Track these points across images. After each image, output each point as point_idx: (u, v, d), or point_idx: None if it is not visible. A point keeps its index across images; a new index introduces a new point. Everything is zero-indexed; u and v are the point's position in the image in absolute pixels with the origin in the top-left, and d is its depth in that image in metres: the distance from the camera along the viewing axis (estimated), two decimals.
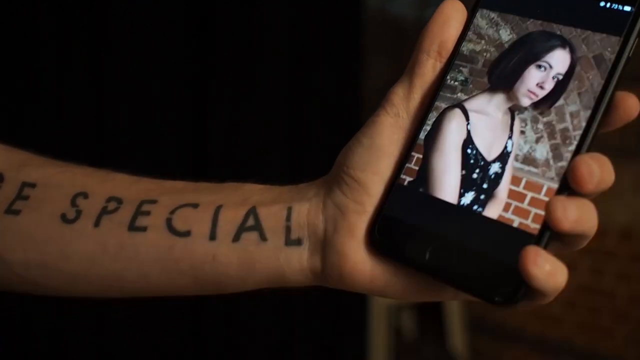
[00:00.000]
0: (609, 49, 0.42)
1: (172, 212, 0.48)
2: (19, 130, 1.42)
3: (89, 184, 0.51)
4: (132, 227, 0.48)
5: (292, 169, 1.87)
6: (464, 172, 0.44)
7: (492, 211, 0.43)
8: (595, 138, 0.42)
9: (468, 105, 0.45)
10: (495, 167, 0.44)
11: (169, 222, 0.48)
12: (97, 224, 0.49)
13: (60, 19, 1.45)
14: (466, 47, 0.46)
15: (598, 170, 0.40)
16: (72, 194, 0.50)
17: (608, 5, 0.43)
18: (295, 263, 0.46)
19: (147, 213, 0.49)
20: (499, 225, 0.42)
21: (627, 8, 0.43)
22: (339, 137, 2.28)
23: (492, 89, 0.45)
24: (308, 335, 1.95)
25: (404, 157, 0.45)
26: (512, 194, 0.43)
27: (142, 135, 1.60)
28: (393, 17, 2.92)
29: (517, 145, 0.43)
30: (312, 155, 1.93)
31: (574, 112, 0.42)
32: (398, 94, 0.46)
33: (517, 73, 0.44)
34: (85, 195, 0.50)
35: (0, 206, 0.51)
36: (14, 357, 1.52)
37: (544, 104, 0.43)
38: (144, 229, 0.48)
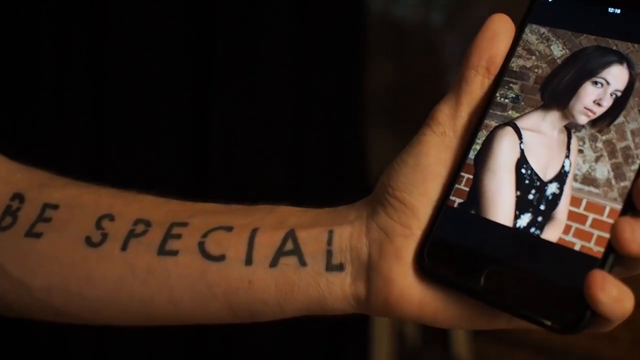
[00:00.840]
0: None
1: (205, 235, 0.46)
2: (19, 131, 1.41)
3: (114, 205, 0.49)
4: (162, 251, 0.46)
5: (293, 170, 1.86)
6: (518, 193, 0.42)
7: (551, 234, 0.40)
8: None
9: (520, 123, 0.43)
10: (552, 188, 0.41)
11: (201, 245, 0.46)
12: (124, 247, 0.47)
13: (59, 20, 1.45)
14: (516, 63, 0.44)
15: None
16: (97, 216, 0.48)
17: None
18: (337, 289, 0.44)
19: (178, 236, 0.46)
20: (559, 249, 0.40)
21: None
22: (340, 139, 2.28)
23: (546, 106, 0.43)
24: (310, 341, 1.93)
25: (453, 177, 0.43)
26: (572, 216, 0.40)
27: (142, 135, 1.60)
28: (396, 19, 2.93)
29: (576, 165, 0.41)
30: (313, 156, 1.93)
31: (635, 130, 0.40)
32: (444, 112, 0.44)
33: (572, 90, 0.42)
34: (111, 218, 0.48)
35: (21, 228, 0.48)
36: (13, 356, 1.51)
37: (603, 122, 0.41)
38: (175, 252, 0.46)
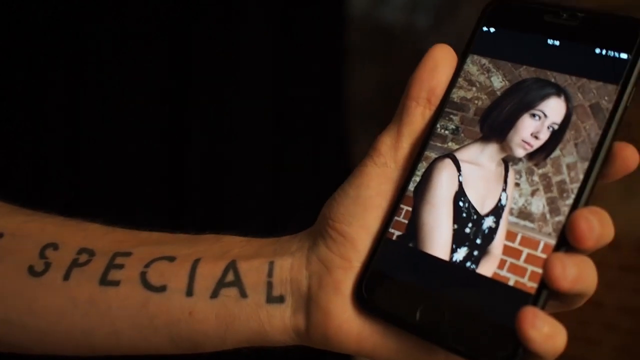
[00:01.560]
0: (605, 98, 0.41)
1: (147, 265, 0.46)
2: None
3: (60, 233, 0.49)
4: (104, 281, 0.46)
5: (274, 179, 1.84)
6: (455, 226, 0.42)
7: (486, 268, 0.40)
8: (594, 191, 0.40)
9: (459, 155, 0.43)
10: (488, 222, 0.42)
11: (143, 275, 0.46)
12: (66, 277, 0.47)
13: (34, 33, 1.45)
14: (457, 94, 0.45)
15: (598, 226, 0.38)
16: (42, 244, 0.48)
17: (604, 52, 0.42)
18: (277, 321, 0.44)
19: (121, 266, 0.46)
20: (494, 284, 0.40)
21: (624, 55, 0.41)
22: (323, 146, 2.23)
23: (485, 138, 0.43)
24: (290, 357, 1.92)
25: (393, 209, 0.43)
26: (507, 250, 0.40)
27: (118, 142, 1.60)
28: (382, 22, 2.92)
29: (512, 199, 0.41)
30: (295, 165, 1.91)
31: (570, 164, 0.40)
32: (386, 143, 0.44)
33: (510, 122, 0.43)
34: (55, 247, 0.48)
35: None
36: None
37: (539, 155, 0.41)
38: (116, 283, 0.46)
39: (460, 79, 0.45)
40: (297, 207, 1.94)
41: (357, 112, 2.38)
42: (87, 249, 0.47)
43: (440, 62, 0.44)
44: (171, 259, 0.46)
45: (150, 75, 1.60)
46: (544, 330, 0.37)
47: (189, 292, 0.45)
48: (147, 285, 0.45)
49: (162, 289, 0.45)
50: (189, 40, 1.68)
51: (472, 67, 0.45)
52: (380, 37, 3.04)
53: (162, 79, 1.64)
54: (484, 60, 0.45)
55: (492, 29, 0.45)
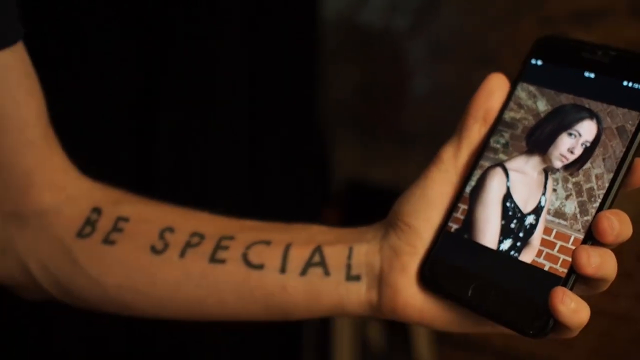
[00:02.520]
0: (630, 122, 0.50)
1: (248, 247, 0.56)
2: None
3: (175, 220, 0.59)
4: (213, 259, 0.56)
5: (250, 177, 1.83)
6: (503, 222, 0.52)
7: (527, 256, 0.50)
8: (617, 197, 0.49)
9: (508, 165, 0.53)
10: (530, 219, 0.51)
11: (245, 256, 0.56)
12: (182, 255, 0.57)
13: None
14: (508, 115, 0.54)
15: (618, 225, 0.47)
16: (161, 228, 0.58)
17: (630, 84, 0.50)
18: (354, 296, 0.54)
19: (226, 247, 0.56)
20: (533, 269, 0.49)
21: None
22: (300, 145, 2.16)
23: (529, 151, 0.52)
24: (269, 347, 1.92)
25: (452, 207, 0.53)
26: (544, 242, 0.50)
27: (86, 146, 1.51)
28: (361, 24, 2.92)
29: (550, 201, 0.51)
30: (271, 162, 1.89)
31: (598, 175, 0.50)
32: (448, 153, 0.54)
33: (551, 139, 0.52)
34: (171, 230, 0.58)
35: (98, 236, 0.58)
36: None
37: (573, 167, 0.51)
38: (223, 261, 0.56)
39: (511, 102, 0.54)
40: (274, 206, 1.86)
41: (336, 112, 2.40)
42: (198, 233, 0.58)
43: (495, 88, 0.54)
44: (267, 242, 0.56)
45: (119, 74, 1.56)
46: (571, 306, 0.46)
47: (283, 270, 0.55)
48: (248, 263, 0.56)
49: (260, 267, 0.55)
50: (162, 39, 1.65)
51: (521, 92, 0.54)
52: (359, 38, 3.04)
53: (132, 79, 1.60)
54: (531, 88, 0.54)
55: (539, 62, 0.55)
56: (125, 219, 0.59)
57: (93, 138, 1.45)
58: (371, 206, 2.78)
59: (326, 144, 2.67)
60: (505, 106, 0.54)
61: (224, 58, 1.80)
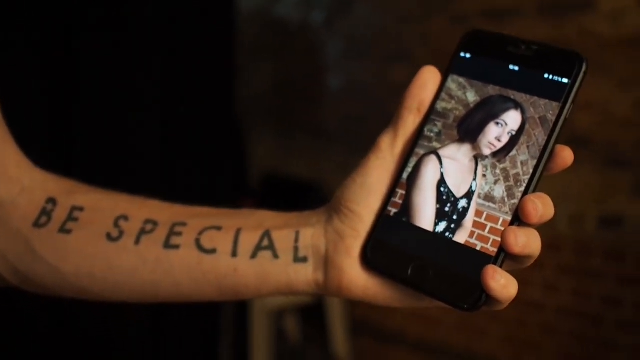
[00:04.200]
0: (550, 112, 0.54)
1: (200, 233, 0.59)
2: None
3: (128, 208, 0.61)
4: (167, 245, 0.59)
5: (165, 172, 1.86)
6: (438, 206, 0.56)
7: (460, 237, 0.54)
8: (540, 181, 0.54)
9: (441, 152, 0.57)
10: (462, 203, 0.55)
11: (197, 241, 0.59)
12: (137, 241, 0.59)
13: None
14: (440, 105, 0.58)
15: (541, 207, 0.52)
16: (115, 216, 0.61)
17: (550, 77, 0.55)
18: (302, 276, 0.57)
19: (179, 234, 0.59)
20: (466, 249, 0.54)
21: (565, 80, 0.54)
22: (218, 140, 2.08)
23: (461, 140, 0.57)
24: (185, 338, 1.95)
25: (390, 193, 0.57)
26: (475, 224, 0.54)
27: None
28: (277, 18, 2.95)
29: (480, 186, 0.55)
30: (187, 157, 1.93)
31: (523, 161, 0.54)
32: (385, 142, 0.58)
33: (480, 128, 0.56)
34: (125, 218, 0.60)
35: (55, 226, 0.61)
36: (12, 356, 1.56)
37: (501, 154, 0.55)
38: (177, 246, 0.59)
39: (442, 94, 0.58)
40: (189, 199, 1.95)
41: (252, 106, 2.44)
42: (151, 220, 0.60)
43: (428, 80, 0.58)
44: (219, 228, 0.59)
45: (31, 77, 1.57)
46: (501, 282, 0.51)
47: (234, 254, 0.58)
48: (201, 248, 0.58)
49: (212, 251, 0.58)
50: (75, 27, 1.65)
51: (452, 84, 0.58)
52: (274, 33, 3.09)
53: (43, 79, 1.61)
54: (461, 80, 0.58)
55: (467, 55, 0.59)
56: (80, 209, 0.61)
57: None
58: (287, 198, 2.83)
59: (243, 138, 2.68)
60: (437, 97, 0.58)
61: (139, 52, 1.79)
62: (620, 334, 2.38)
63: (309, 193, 2.66)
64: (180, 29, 1.90)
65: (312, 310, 2.69)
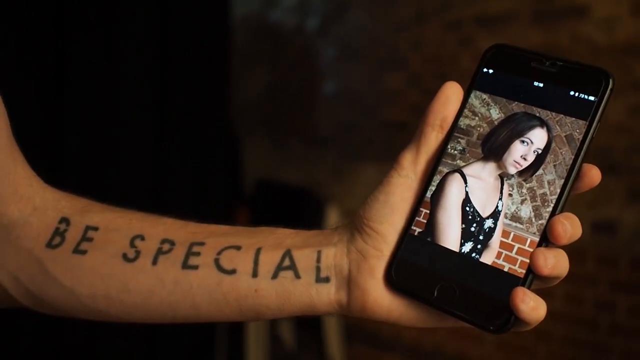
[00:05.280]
0: (577, 131, 0.53)
1: (219, 253, 0.58)
2: None
3: (144, 227, 0.60)
4: (185, 266, 0.58)
5: (158, 180, 1.85)
6: (463, 225, 0.55)
7: (487, 258, 0.53)
8: (568, 200, 0.53)
9: (466, 170, 0.56)
10: (489, 223, 0.54)
11: (217, 261, 0.57)
12: (154, 262, 0.58)
13: None
14: (463, 122, 0.57)
15: (570, 228, 0.51)
16: (131, 236, 0.59)
17: (576, 94, 0.54)
18: (324, 297, 0.56)
19: (197, 254, 0.58)
20: (493, 270, 0.53)
21: (592, 98, 0.54)
22: (211, 147, 2.09)
23: (485, 158, 0.56)
24: (181, 343, 1.93)
25: (414, 211, 0.56)
26: (502, 245, 0.53)
27: None
28: (271, 24, 2.95)
29: (506, 206, 0.54)
30: (180, 164, 1.92)
31: (550, 180, 0.53)
32: (407, 159, 0.57)
33: (505, 146, 0.55)
34: (142, 238, 0.59)
35: (69, 246, 0.59)
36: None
37: (527, 173, 0.54)
38: (195, 267, 0.57)
39: (465, 110, 0.57)
40: (182, 207, 1.89)
41: (246, 113, 2.43)
42: (168, 240, 0.59)
43: (451, 96, 0.57)
44: (238, 247, 0.58)
45: (22, 78, 1.56)
46: (531, 304, 0.50)
47: (254, 274, 0.57)
48: (220, 269, 0.57)
49: (232, 272, 0.57)
50: (67, 38, 1.64)
51: (475, 101, 0.57)
52: (268, 39, 3.08)
53: (34, 79, 1.60)
54: (484, 96, 0.57)
55: (490, 70, 0.58)
56: (94, 228, 0.60)
57: None
58: (281, 204, 2.82)
59: (237, 145, 2.67)
60: (460, 113, 0.57)
61: (131, 57, 1.78)
62: (614, 338, 2.38)
63: (302, 199, 2.65)
64: (173, 35, 1.89)
65: (307, 317, 2.68)
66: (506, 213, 0.54)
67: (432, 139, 0.57)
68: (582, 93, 0.54)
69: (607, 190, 2.38)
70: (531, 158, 0.54)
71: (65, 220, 0.60)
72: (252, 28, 2.80)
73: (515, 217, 0.54)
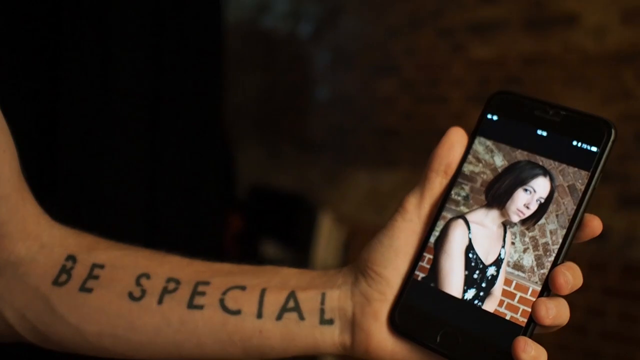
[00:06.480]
0: (579, 181, 0.54)
1: (224, 293, 0.59)
2: None
3: (149, 265, 0.61)
4: (191, 305, 0.58)
5: (151, 185, 1.83)
6: (466, 272, 0.56)
7: (489, 305, 0.54)
8: (569, 250, 0.54)
9: (469, 217, 0.57)
10: (491, 270, 0.55)
11: (222, 302, 0.58)
12: (160, 301, 0.59)
13: None
14: (467, 168, 0.58)
15: (572, 278, 0.52)
16: (136, 274, 0.60)
17: (579, 144, 0.55)
18: (328, 339, 0.57)
19: (203, 293, 0.59)
20: (495, 318, 0.54)
21: (594, 149, 0.54)
22: (205, 152, 2.11)
23: (489, 205, 0.57)
24: None
25: (418, 256, 0.57)
26: (505, 293, 0.54)
27: None
28: (265, 30, 2.95)
29: (509, 254, 0.55)
30: (174, 169, 1.90)
31: (552, 230, 0.54)
32: (412, 203, 0.58)
33: (508, 194, 0.56)
34: (147, 276, 0.60)
35: (75, 284, 0.60)
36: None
37: (530, 222, 0.55)
38: (201, 307, 0.58)
39: (470, 156, 0.58)
40: (177, 212, 1.88)
41: (239, 117, 2.43)
42: (173, 279, 0.60)
43: (455, 142, 0.58)
44: (243, 287, 0.59)
45: (14, 80, 1.52)
46: (532, 353, 0.51)
47: (259, 315, 0.58)
48: (225, 309, 0.58)
49: (237, 312, 0.58)
50: (61, 40, 1.63)
51: (479, 147, 0.58)
52: (261, 44, 3.07)
53: (30, 80, 1.57)
54: (488, 142, 0.58)
55: (495, 117, 0.58)
56: (101, 266, 0.60)
57: None
58: (274, 209, 2.82)
59: (230, 150, 2.67)
60: (464, 160, 0.58)
61: (124, 62, 1.78)
62: (604, 344, 2.40)
63: (295, 204, 2.66)
64: (167, 41, 1.89)
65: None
66: (509, 261, 0.55)
67: (437, 184, 0.58)
68: (585, 143, 0.55)
69: (598, 196, 2.40)
70: (534, 207, 0.55)
71: (71, 258, 0.61)
72: (245, 34, 2.80)
73: (517, 266, 0.55)
